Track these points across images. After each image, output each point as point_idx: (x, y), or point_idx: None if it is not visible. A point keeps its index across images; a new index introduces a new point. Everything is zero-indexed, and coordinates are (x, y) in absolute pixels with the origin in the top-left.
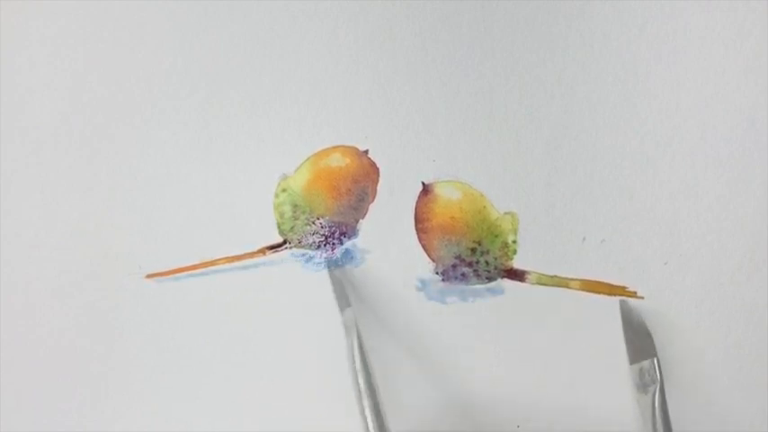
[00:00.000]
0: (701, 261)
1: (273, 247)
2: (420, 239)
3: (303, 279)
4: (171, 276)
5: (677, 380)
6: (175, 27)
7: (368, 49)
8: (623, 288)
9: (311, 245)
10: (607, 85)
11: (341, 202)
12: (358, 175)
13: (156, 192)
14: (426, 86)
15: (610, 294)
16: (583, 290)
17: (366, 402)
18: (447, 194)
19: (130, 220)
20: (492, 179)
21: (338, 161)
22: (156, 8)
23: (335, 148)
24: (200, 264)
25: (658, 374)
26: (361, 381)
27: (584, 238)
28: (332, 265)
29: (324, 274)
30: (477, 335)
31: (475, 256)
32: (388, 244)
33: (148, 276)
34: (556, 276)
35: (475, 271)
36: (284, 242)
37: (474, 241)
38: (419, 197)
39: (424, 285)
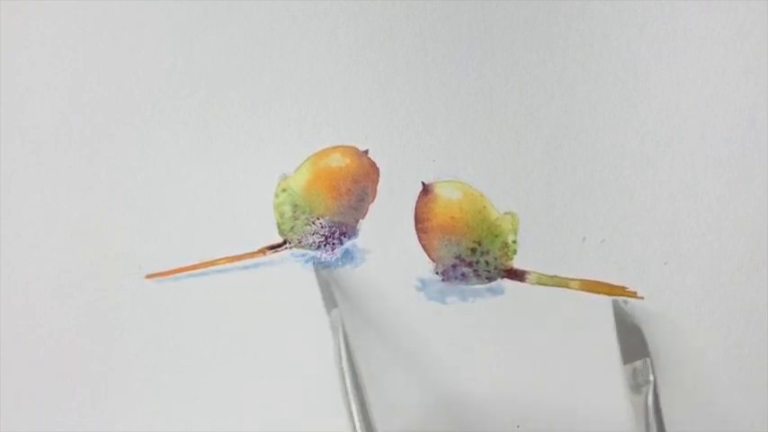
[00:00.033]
0: (701, 261)
1: (273, 247)
2: (420, 239)
3: (303, 279)
4: (171, 276)
5: (677, 380)
6: (175, 27)
7: (368, 49)
8: (623, 288)
9: (311, 245)
10: (607, 85)
11: (341, 202)
12: (358, 175)
13: (156, 192)
14: (426, 86)
15: (610, 294)
16: (583, 290)
17: (352, 402)
18: (447, 194)
19: (130, 220)
20: (492, 179)
21: (338, 161)
22: (156, 8)
23: (335, 148)
24: (201, 264)
25: (651, 375)
26: (348, 380)
27: (584, 238)
28: (318, 265)
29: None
30: (477, 335)
31: (475, 256)
32: (388, 244)
33: (148, 276)
34: (556, 276)
35: (475, 271)
36: (284, 242)
37: (474, 241)
38: (419, 197)
39: (424, 285)
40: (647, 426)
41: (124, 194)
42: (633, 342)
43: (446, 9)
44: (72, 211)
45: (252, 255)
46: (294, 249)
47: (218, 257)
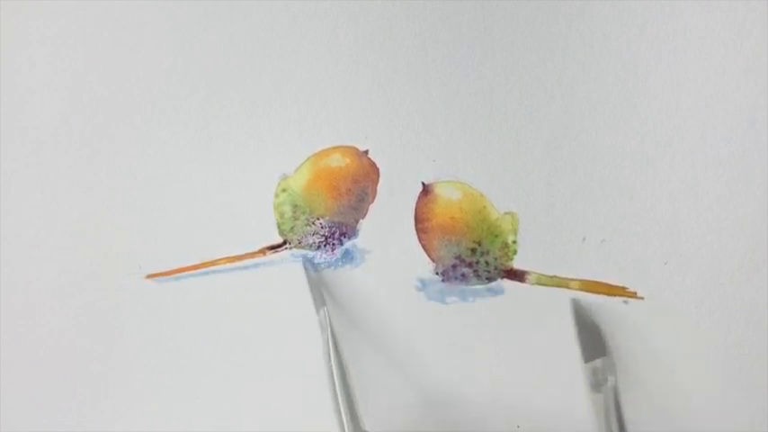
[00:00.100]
0: (701, 261)
1: (273, 248)
2: (420, 239)
3: (303, 279)
4: (171, 276)
5: (677, 380)
6: (175, 27)
7: (368, 49)
8: (623, 288)
9: (311, 245)
10: (607, 85)
11: (341, 203)
12: (358, 175)
13: (156, 192)
14: (426, 86)
15: (610, 294)
16: (583, 290)
17: (340, 400)
18: (447, 194)
19: (130, 220)
20: (492, 179)
21: (338, 161)
22: (156, 8)
23: (335, 148)
24: (201, 264)
25: (610, 373)
26: (336, 378)
27: (584, 238)
28: (308, 265)
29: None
30: (477, 335)
31: (475, 256)
32: (388, 244)
33: (149, 276)
34: (555, 277)
35: (475, 271)
36: (284, 242)
37: (474, 241)
38: (419, 197)
39: (424, 285)
40: (608, 424)
41: (124, 194)
42: (593, 340)
43: (446, 9)
44: (72, 211)
45: (252, 255)
46: (294, 249)
47: (218, 257)
